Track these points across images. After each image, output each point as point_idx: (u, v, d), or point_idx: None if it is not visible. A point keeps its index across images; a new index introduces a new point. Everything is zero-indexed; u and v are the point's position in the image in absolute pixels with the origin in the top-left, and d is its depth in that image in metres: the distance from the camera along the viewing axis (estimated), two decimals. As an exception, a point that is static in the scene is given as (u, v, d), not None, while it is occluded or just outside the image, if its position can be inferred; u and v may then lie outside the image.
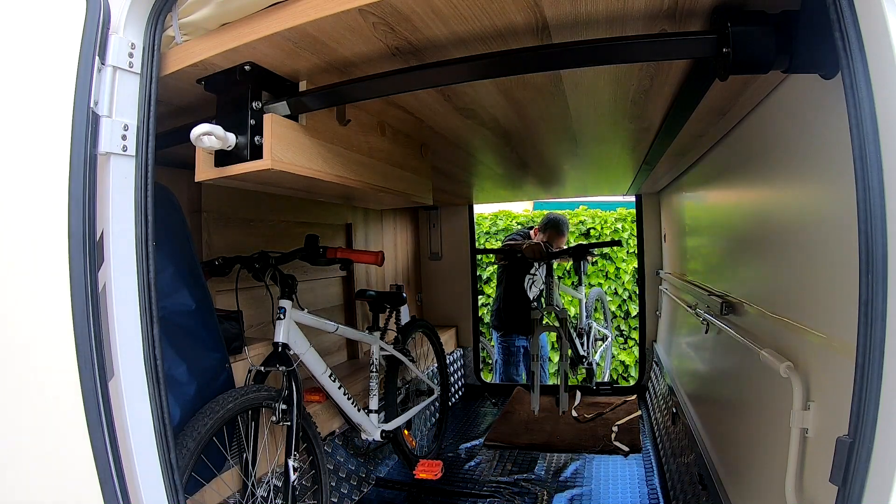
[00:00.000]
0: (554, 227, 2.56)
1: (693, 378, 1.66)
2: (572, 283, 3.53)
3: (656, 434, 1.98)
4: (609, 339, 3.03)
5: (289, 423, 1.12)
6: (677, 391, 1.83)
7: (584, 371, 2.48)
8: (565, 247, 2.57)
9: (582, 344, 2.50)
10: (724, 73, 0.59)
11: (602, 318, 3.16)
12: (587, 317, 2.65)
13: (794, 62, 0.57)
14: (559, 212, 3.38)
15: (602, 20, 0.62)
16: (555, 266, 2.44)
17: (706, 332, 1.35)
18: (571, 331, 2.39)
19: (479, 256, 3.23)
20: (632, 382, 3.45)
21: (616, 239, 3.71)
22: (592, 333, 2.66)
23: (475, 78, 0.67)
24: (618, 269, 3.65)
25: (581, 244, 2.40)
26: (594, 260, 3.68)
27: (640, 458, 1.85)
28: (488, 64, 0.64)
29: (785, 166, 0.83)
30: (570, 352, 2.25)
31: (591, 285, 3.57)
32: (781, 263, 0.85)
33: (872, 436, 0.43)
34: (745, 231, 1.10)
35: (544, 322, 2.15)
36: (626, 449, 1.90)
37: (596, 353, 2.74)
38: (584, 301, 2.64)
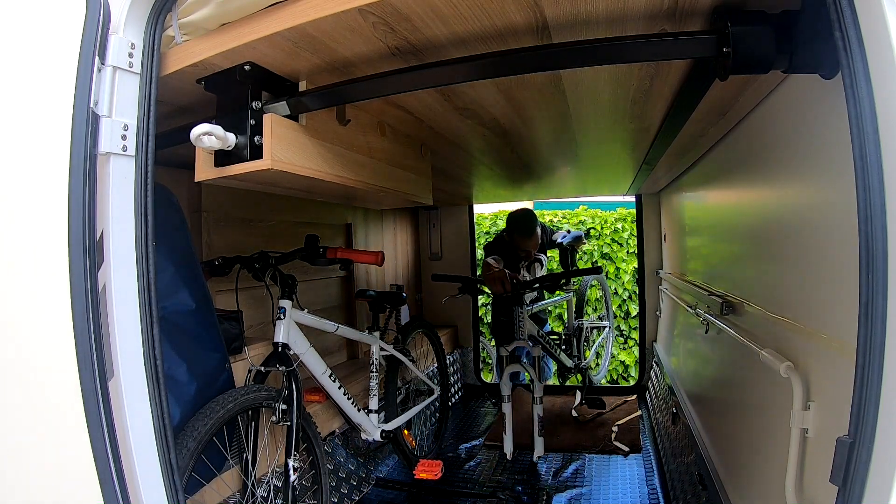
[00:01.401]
0: (517, 228, 2.07)
1: (693, 378, 1.66)
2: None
3: (656, 434, 1.98)
4: (607, 329, 2.61)
5: (289, 423, 1.12)
6: (677, 391, 1.83)
7: (579, 377, 2.26)
8: (540, 243, 2.16)
9: (570, 354, 2.23)
10: (724, 74, 0.59)
11: (602, 306, 2.82)
12: (576, 317, 2.40)
13: (794, 62, 0.57)
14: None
15: (602, 20, 0.62)
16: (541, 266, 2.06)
17: (706, 332, 1.35)
18: (555, 349, 2.10)
19: (478, 256, 3.15)
20: (632, 382, 3.45)
21: (597, 266, 3.39)
22: (584, 332, 2.37)
23: (475, 78, 0.67)
24: (618, 269, 3.65)
25: (554, 274, 2.02)
26: (593, 260, 3.62)
27: (640, 458, 1.85)
28: (488, 64, 0.64)
29: (785, 166, 0.83)
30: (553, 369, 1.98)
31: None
32: (781, 263, 0.85)
33: (872, 436, 0.43)
34: (745, 231, 1.10)
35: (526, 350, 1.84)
36: (626, 449, 1.90)
37: (590, 350, 2.44)
38: (573, 299, 2.38)
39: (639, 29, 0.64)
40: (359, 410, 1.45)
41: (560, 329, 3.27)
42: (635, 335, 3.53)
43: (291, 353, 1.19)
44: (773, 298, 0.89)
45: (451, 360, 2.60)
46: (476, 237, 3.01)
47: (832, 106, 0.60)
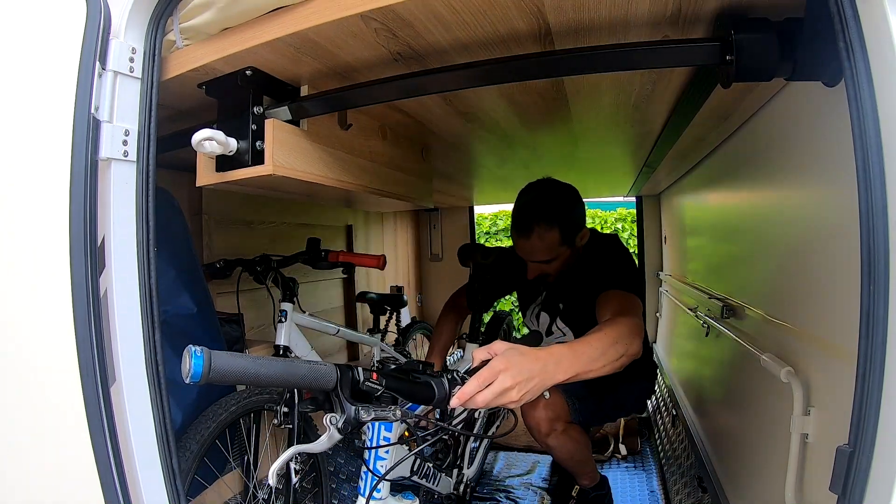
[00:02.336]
0: (515, 214, 1.11)
1: (693, 380, 1.66)
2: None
3: (656, 436, 1.99)
4: None
5: (290, 426, 1.12)
6: (677, 393, 1.83)
7: None
8: (572, 249, 1.06)
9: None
10: (727, 81, 0.59)
11: None
12: None
13: (796, 70, 0.57)
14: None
15: (605, 26, 0.62)
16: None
17: (706, 335, 1.36)
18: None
19: None
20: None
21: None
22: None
23: (477, 84, 0.67)
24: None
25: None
26: None
27: (639, 460, 1.85)
28: (491, 70, 0.63)
29: (786, 170, 0.83)
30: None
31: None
32: (783, 267, 0.85)
33: (872, 445, 0.43)
34: (746, 234, 1.10)
35: None
36: (625, 451, 1.91)
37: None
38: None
39: (641, 36, 0.63)
40: (359, 412, 1.44)
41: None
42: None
43: (293, 355, 1.19)
44: (774, 302, 0.89)
45: (453, 360, 2.61)
46: (476, 238, 3.01)
47: (834, 111, 0.60)
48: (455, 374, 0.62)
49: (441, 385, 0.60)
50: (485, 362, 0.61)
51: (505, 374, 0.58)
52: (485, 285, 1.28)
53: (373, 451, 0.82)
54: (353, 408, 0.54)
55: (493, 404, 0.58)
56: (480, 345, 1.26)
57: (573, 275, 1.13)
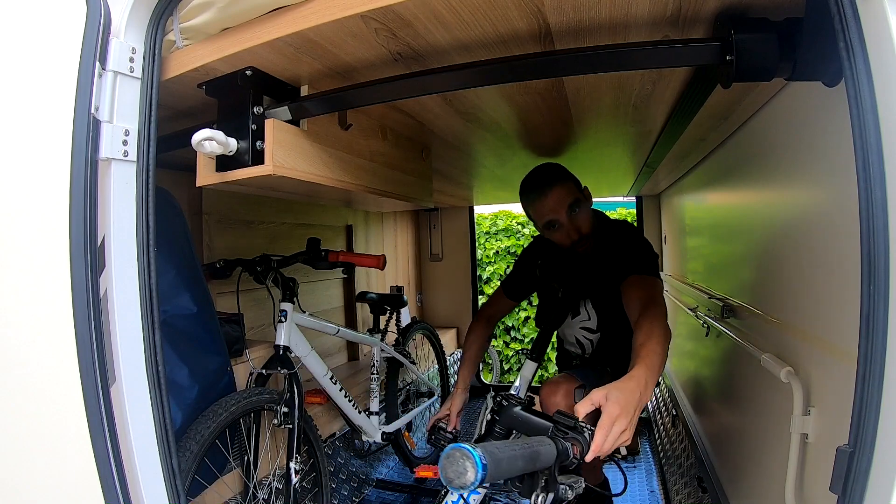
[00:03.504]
0: (527, 186, 1.16)
1: (693, 380, 1.66)
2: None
3: (656, 436, 1.99)
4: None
5: (290, 426, 1.12)
6: (677, 393, 1.83)
7: None
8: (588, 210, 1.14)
9: None
10: (727, 81, 0.59)
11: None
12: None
13: (796, 70, 0.57)
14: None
15: (605, 27, 0.62)
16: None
17: (706, 335, 1.36)
18: None
19: (479, 256, 3.11)
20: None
21: None
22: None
23: (477, 84, 0.67)
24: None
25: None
26: None
27: (639, 460, 1.85)
28: (491, 70, 0.63)
29: (786, 170, 0.83)
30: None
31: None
32: (783, 268, 0.85)
33: (872, 446, 0.43)
34: (746, 234, 1.10)
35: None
36: (625, 451, 1.91)
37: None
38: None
39: (641, 36, 0.63)
40: (359, 412, 1.45)
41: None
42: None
43: (293, 355, 1.19)
44: (775, 302, 0.89)
45: (453, 360, 2.61)
46: (476, 238, 3.02)
47: (834, 111, 0.60)
48: (589, 428, 0.63)
49: (586, 442, 0.62)
50: (593, 413, 0.64)
51: (620, 419, 0.64)
52: (564, 300, 1.27)
53: None
54: (562, 486, 0.54)
55: (611, 448, 0.63)
56: (537, 361, 1.32)
57: (594, 258, 1.19)
